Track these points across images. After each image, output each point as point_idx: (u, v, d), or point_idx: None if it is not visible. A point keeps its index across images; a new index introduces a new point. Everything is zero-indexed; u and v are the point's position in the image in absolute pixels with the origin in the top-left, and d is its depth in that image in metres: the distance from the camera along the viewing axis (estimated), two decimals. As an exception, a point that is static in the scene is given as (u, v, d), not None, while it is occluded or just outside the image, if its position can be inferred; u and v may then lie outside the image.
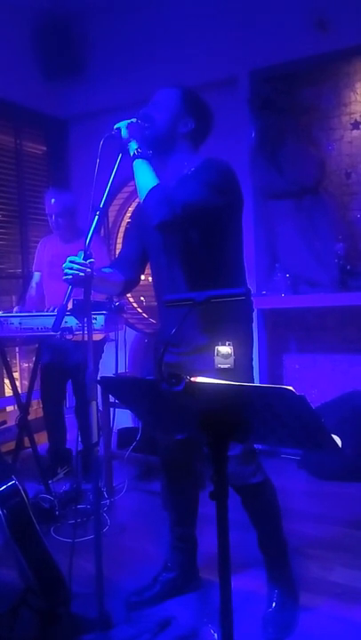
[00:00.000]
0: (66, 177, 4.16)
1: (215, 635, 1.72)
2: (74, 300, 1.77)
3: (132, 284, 1.93)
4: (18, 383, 3.47)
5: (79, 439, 2.28)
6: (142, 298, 4.04)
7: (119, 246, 4.14)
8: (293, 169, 3.40)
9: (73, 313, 1.88)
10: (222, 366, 1.65)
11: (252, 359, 1.79)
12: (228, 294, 1.44)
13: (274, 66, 3.35)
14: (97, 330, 2.33)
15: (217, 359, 1.66)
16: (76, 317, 2.17)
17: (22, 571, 1.76)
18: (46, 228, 3.31)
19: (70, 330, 2.30)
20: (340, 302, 3.29)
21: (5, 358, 2.81)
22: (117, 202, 4.07)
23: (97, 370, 1.72)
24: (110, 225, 4.12)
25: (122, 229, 4.17)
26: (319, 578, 2.04)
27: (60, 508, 2.59)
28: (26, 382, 3.51)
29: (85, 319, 1.65)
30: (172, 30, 3.55)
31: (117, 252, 4.04)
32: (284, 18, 3.24)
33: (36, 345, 2.84)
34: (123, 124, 1.70)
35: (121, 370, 2.73)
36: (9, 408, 3.74)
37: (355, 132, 3.35)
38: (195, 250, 1.72)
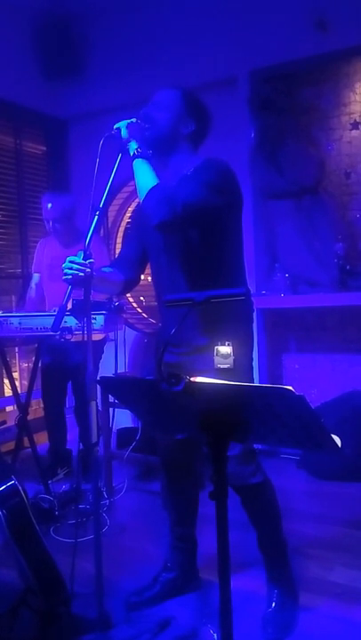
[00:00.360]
0: (65, 177, 4.16)
1: (215, 635, 1.72)
2: (73, 300, 1.77)
3: (132, 283, 1.93)
4: (17, 383, 3.48)
5: (79, 439, 2.27)
6: (142, 298, 4.05)
7: (119, 246, 4.14)
8: (293, 169, 3.40)
9: (72, 313, 1.88)
10: (222, 366, 1.65)
11: (252, 359, 1.79)
12: (227, 294, 1.44)
13: (274, 66, 3.35)
14: (96, 330, 2.33)
15: (217, 359, 1.66)
16: (75, 317, 2.17)
17: (22, 571, 1.76)
18: (46, 229, 3.31)
19: (70, 330, 2.30)
20: (339, 302, 3.29)
21: (5, 358, 2.81)
22: (117, 202, 4.07)
23: (97, 370, 1.72)
24: (110, 225, 4.12)
25: (121, 229, 4.18)
26: (319, 578, 2.04)
27: (59, 508, 2.58)
28: (25, 382, 3.51)
29: (85, 319, 1.65)
30: (172, 30, 3.55)
31: (117, 251, 4.04)
32: (284, 18, 3.24)
33: (36, 345, 2.84)
34: (122, 124, 1.70)
35: (121, 370, 2.73)
36: (8, 408, 3.74)
37: (354, 132, 3.35)
38: (195, 250, 1.72)
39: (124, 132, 1.69)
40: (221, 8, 3.40)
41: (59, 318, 1.61)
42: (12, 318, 2.49)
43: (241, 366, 1.69)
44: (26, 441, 2.75)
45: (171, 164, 1.76)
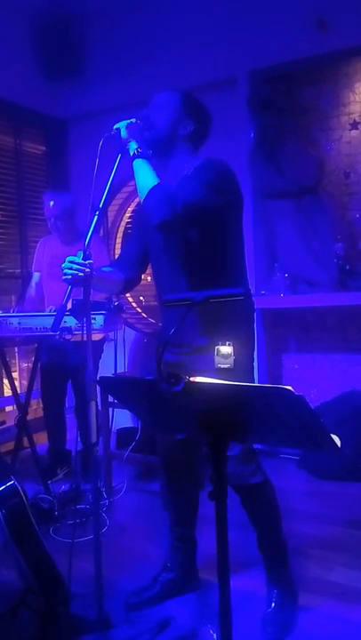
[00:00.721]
0: (65, 177, 4.16)
1: (214, 635, 1.72)
2: (73, 300, 1.77)
3: (132, 283, 1.93)
4: (17, 383, 3.48)
5: (78, 439, 2.27)
6: (142, 297, 4.05)
7: (119, 246, 4.14)
8: (293, 169, 3.40)
9: (72, 313, 1.88)
10: (222, 366, 1.65)
11: (253, 360, 1.79)
12: (226, 294, 1.44)
13: (273, 66, 3.35)
14: (96, 330, 2.33)
15: (217, 359, 1.66)
16: (75, 317, 2.17)
17: (21, 571, 1.76)
18: (46, 228, 3.31)
19: (69, 330, 2.29)
20: (339, 302, 3.29)
21: (4, 358, 2.81)
22: (117, 202, 4.07)
23: (96, 370, 1.72)
24: (110, 225, 4.12)
25: (121, 229, 4.18)
26: (319, 578, 2.04)
27: (59, 508, 2.58)
28: (25, 382, 3.51)
29: (84, 319, 1.65)
30: (172, 30, 3.55)
31: (117, 251, 4.05)
32: (283, 18, 3.24)
33: (35, 345, 2.84)
34: (122, 125, 1.71)
35: (120, 370, 2.73)
36: (8, 408, 3.74)
37: (354, 132, 3.35)
38: (195, 249, 1.72)
39: (123, 133, 1.70)
40: (221, 8, 3.40)
41: (58, 318, 1.61)
42: (11, 318, 2.48)
43: (241, 366, 1.69)
44: (25, 441, 2.75)
45: (170, 165, 1.76)
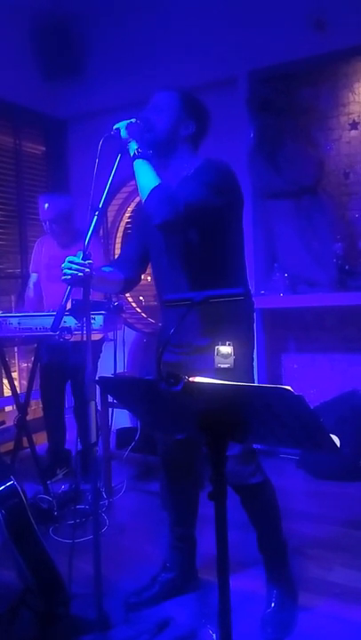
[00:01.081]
0: (65, 177, 4.16)
1: (214, 635, 1.72)
2: (73, 300, 1.77)
3: (132, 283, 1.93)
4: (17, 383, 3.47)
5: (78, 439, 2.27)
6: (141, 297, 4.04)
7: (118, 246, 4.14)
8: (292, 169, 3.40)
9: (72, 313, 1.87)
10: (222, 366, 1.65)
11: (252, 359, 1.79)
12: (226, 294, 1.44)
13: (273, 66, 3.35)
14: (96, 330, 2.33)
15: (217, 359, 1.66)
16: (74, 317, 2.17)
17: (21, 571, 1.76)
18: (44, 229, 3.31)
19: (69, 330, 2.29)
20: (338, 302, 3.29)
21: (4, 358, 2.80)
22: (116, 202, 4.07)
23: (95, 370, 1.72)
24: (109, 225, 4.12)
25: (121, 229, 4.18)
26: (318, 578, 2.04)
27: (58, 508, 2.58)
28: (25, 382, 3.51)
29: (84, 319, 1.65)
30: (172, 31, 3.55)
31: (116, 252, 4.04)
32: (282, 18, 3.24)
33: (35, 345, 2.84)
34: (122, 125, 1.70)
35: (120, 370, 2.73)
36: (7, 408, 3.74)
37: (353, 132, 3.35)
38: (196, 250, 1.72)
39: (123, 133, 1.69)
40: (221, 8, 3.40)
41: (58, 318, 1.61)
42: (11, 318, 2.48)
43: (241, 366, 1.69)
44: (25, 441, 2.75)
45: (171, 166, 1.76)
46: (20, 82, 3.73)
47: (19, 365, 3.99)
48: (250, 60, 3.37)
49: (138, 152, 1.67)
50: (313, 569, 2.10)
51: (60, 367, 2.93)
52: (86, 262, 1.61)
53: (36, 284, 3.22)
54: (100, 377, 1.28)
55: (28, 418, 2.78)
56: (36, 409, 3.61)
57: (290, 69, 3.37)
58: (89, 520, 2.38)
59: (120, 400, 1.38)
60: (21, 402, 2.74)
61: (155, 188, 1.62)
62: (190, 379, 1.03)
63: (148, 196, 1.63)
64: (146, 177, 1.65)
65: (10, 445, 3.02)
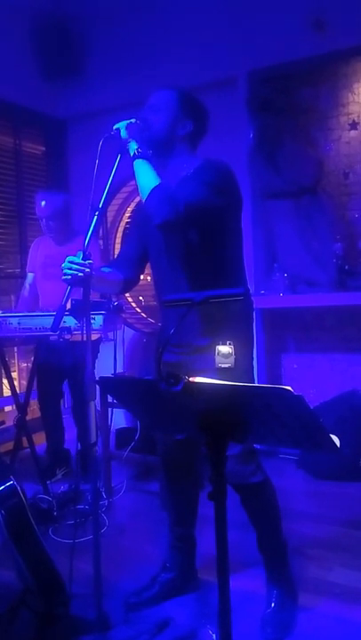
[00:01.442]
0: (65, 177, 4.16)
1: (214, 635, 1.72)
2: (72, 301, 1.77)
3: (131, 283, 1.93)
4: (16, 383, 3.47)
5: (77, 439, 2.27)
6: (141, 297, 4.04)
7: (118, 246, 4.14)
8: (292, 169, 3.40)
9: (72, 313, 1.87)
10: (223, 365, 1.65)
11: (252, 359, 1.79)
12: (226, 294, 1.44)
13: (272, 66, 3.35)
14: (95, 330, 2.33)
15: (217, 358, 1.66)
16: (74, 317, 2.17)
17: (20, 572, 1.76)
18: (40, 227, 3.31)
19: (69, 330, 2.29)
20: (338, 302, 3.29)
21: (4, 358, 2.80)
22: (116, 202, 4.07)
23: (94, 369, 1.72)
24: (109, 225, 4.12)
25: (120, 229, 4.18)
26: (318, 578, 2.04)
27: (58, 508, 2.58)
28: (24, 382, 3.51)
29: (84, 319, 1.65)
30: (171, 31, 3.55)
31: (116, 251, 4.04)
32: (282, 19, 3.24)
33: (35, 345, 2.83)
34: (122, 125, 1.71)
35: (118, 369, 2.72)
36: (7, 408, 3.74)
37: (353, 132, 3.35)
38: (195, 250, 1.72)
39: (123, 133, 1.70)
40: (220, 9, 3.40)
41: (58, 318, 1.61)
42: (11, 318, 2.48)
43: (241, 366, 1.69)
44: (25, 441, 2.75)
45: (169, 166, 1.76)
46: (20, 82, 3.73)
47: (18, 365, 3.99)
48: (250, 60, 3.37)
49: (138, 152, 1.68)
50: (313, 569, 2.10)
51: (57, 367, 2.93)
52: (86, 262, 1.61)
53: (31, 284, 3.22)
54: (100, 377, 1.28)
55: (28, 418, 2.78)
56: (35, 409, 3.61)
57: (290, 69, 3.37)
58: (89, 520, 2.37)
59: (120, 400, 1.38)
60: (21, 402, 2.74)
61: (155, 187, 1.62)
62: (190, 379, 1.03)
63: (149, 195, 1.63)
64: (146, 177, 1.65)
65: (9, 445, 3.02)
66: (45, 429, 3.27)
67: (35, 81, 3.83)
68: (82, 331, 1.66)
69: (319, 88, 3.39)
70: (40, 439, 3.32)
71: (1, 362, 2.79)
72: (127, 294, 3.85)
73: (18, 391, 2.94)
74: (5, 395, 3.73)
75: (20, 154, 3.95)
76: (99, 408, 2.81)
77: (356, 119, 3.33)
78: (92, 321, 2.15)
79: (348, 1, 3.07)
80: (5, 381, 3.13)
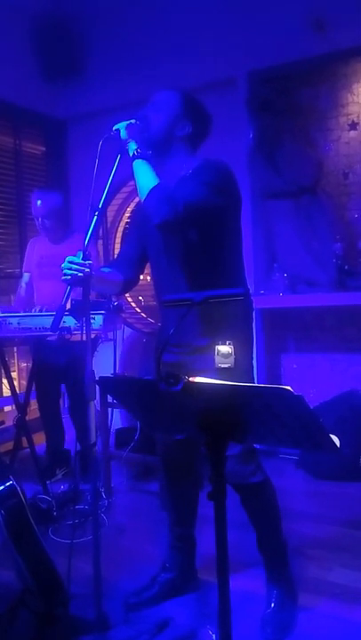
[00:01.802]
0: (65, 177, 4.16)
1: (213, 635, 1.72)
2: (72, 301, 1.77)
3: (131, 283, 1.93)
4: (16, 383, 3.47)
5: (77, 439, 2.27)
6: (141, 297, 4.05)
7: (118, 246, 4.14)
8: (291, 169, 3.40)
9: (71, 313, 1.87)
10: (223, 365, 1.65)
11: (252, 359, 1.79)
12: (226, 294, 1.44)
13: (272, 67, 3.35)
14: (95, 330, 2.33)
15: (217, 358, 1.66)
16: (74, 317, 2.17)
17: (20, 572, 1.76)
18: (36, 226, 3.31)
19: (69, 330, 2.29)
20: (338, 302, 3.29)
21: (3, 358, 2.80)
22: (116, 202, 4.07)
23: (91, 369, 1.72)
24: (109, 225, 4.12)
25: (120, 229, 4.18)
26: (318, 578, 2.04)
27: (57, 508, 2.58)
28: (24, 382, 3.51)
29: (84, 319, 1.65)
30: (171, 31, 3.55)
31: (116, 251, 4.04)
32: (282, 19, 3.24)
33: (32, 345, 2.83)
34: (122, 125, 1.71)
35: (113, 370, 2.72)
36: (7, 408, 3.73)
37: (352, 132, 3.35)
38: (195, 250, 1.72)
39: (123, 133, 1.70)
40: (220, 9, 3.40)
41: (58, 318, 1.61)
42: (10, 318, 2.48)
43: (241, 366, 1.69)
44: (24, 441, 2.75)
45: (168, 166, 1.76)
46: (20, 82, 3.72)
47: (18, 365, 3.99)
48: (249, 60, 3.37)
49: (137, 152, 1.68)
50: (313, 569, 2.10)
51: (54, 366, 2.93)
52: (86, 262, 1.61)
53: (27, 283, 3.23)
54: (100, 377, 1.28)
55: (28, 418, 2.78)
56: (35, 409, 3.61)
57: (289, 70, 3.38)
58: (88, 520, 2.37)
59: (120, 400, 1.38)
60: (21, 402, 2.74)
61: (154, 187, 1.62)
62: (190, 379, 1.03)
63: (148, 195, 1.63)
64: (145, 177, 1.65)
65: (9, 445, 3.02)
66: (45, 429, 3.27)
67: (35, 81, 3.83)
68: (81, 330, 1.66)
69: (319, 88, 3.39)
70: (40, 439, 3.31)
71: (1, 362, 2.79)
72: (127, 294, 3.85)
73: (17, 391, 2.94)
74: (5, 395, 3.73)
75: (20, 154, 3.95)
76: (98, 408, 2.81)
77: (355, 119, 3.34)
78: (91, 321, 2.15)
79: (348, 1, 3.07)
80: (5, 381, 3.13)
